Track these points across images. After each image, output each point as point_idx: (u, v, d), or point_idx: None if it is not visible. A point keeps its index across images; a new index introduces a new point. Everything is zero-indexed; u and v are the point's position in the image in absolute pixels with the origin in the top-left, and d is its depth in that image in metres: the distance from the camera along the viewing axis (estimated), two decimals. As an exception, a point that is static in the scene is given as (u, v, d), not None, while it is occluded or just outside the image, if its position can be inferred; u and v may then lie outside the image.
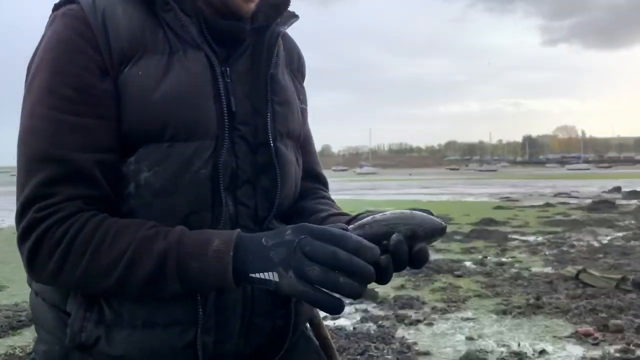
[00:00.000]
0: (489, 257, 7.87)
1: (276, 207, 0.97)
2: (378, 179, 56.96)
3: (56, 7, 0.92)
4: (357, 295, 0.73)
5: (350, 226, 0.81)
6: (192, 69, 0.90)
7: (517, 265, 7.27)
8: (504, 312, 5.06)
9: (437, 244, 9.16)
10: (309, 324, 1.15)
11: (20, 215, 0.84)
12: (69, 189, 0.83)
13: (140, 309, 0.86)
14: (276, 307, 0.96)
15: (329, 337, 1.15)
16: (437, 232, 0.82)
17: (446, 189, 30.59)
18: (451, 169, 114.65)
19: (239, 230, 0.82)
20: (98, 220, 0.83)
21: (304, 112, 1.09)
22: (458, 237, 9.86)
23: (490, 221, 11.83)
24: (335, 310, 0.73)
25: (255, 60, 0.99)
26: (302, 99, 1.09)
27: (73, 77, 0.85)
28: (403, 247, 0.78)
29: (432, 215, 0.84)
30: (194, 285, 0.81)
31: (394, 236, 0.78)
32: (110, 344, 0.86)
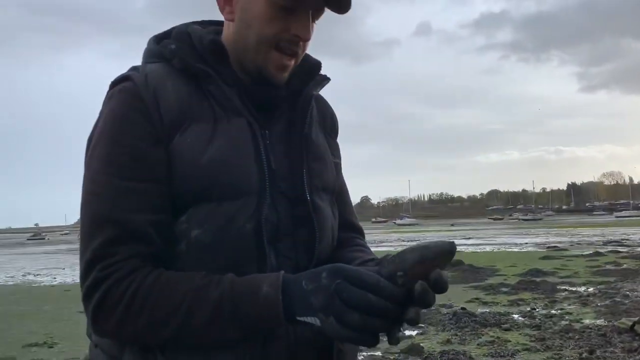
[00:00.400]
0: (537, 309, 7.60)
1: (316, 258, 1.02)
2: (419, 229, 56.23)
3: (113, 84, 1.00)
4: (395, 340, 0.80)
5: (370, 266, 0.86)
6: (234, 134, 0.98)
7: (567, 317, 7.00)
8: (556, 367, 4.85)
9: (483, 296, 8.94)
10: None
11: (84, 274, 0.90)
12: (127, 248, 0.90)
13: (193, 358, 0.91)
14: (319, 357, 0.99)
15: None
16: (445, 251, 0.82)
17: (490, 239, 29.93)
18: (494, 219, 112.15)
19: (282, 272, 0.88)
20: (155, 276, 0.90)
21: (337, 166, 1.16)
22: (504, 289, 9.59)
23: (538, 272, 11.49)
24: (374, 344, 0.80)
25: (291, 121, 1.08)
26: (336, 154, 1.16)
27: (129, 148, 0.93)
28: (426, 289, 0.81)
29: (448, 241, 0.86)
30: (249, 328, 0.87)
31: (417, 284, 0.80)
32: None
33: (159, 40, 1.06)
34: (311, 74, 1.11)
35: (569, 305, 7.88)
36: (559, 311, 7.43)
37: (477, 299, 8.70)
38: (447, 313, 7.34)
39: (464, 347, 5.66)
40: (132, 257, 0.90)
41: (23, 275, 17.43)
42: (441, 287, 0.81)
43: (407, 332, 6.45)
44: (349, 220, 1.20)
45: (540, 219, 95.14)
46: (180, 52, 1.00)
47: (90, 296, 0.89)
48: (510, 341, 5.85)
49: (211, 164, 0.94)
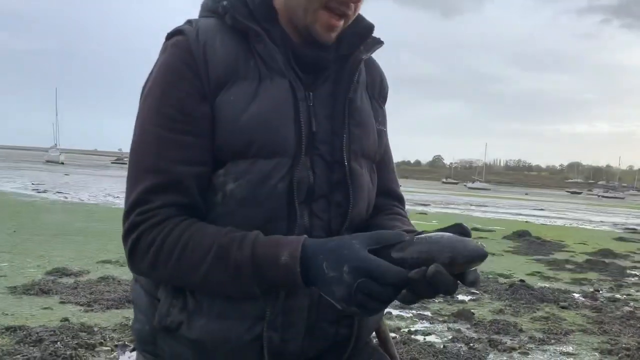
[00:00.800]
0: (601, 291, 7.34)
1: (348, 222, 1.05)
2: (490, 195, 54.85)
3: (168, 37, 1.04)
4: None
5: (393, 252, 0.87)
6: (276, 94, 1.01)
7: (632, 303, 6.72)
8: (609, 352, 4.71)
9: (545, 270, 8.71)
10: (376, 335, 1.20)
11: (125, 216, 0.98)
12: (165, 197, 0.96)
13: (217, 301, 0.98)
14: (341, 317, 1.03)
15: (395, 353, 1.19)
16: (476, 258, 0.84)
17: (564, 213, 28.82)
18: (572, 192, 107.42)
19: (304, 238, 0.91)
20: (185, 226, 0.96)
21: (381, 133, 1.15)
22: (569, 266, 9.28)
23: (609, 253, 11.00)
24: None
25: (337, 85, 1.08)
26: (381, 121, 1.17)
27: (177, 101, 0.98)
28: (441, 277, 0.82)
29: (470, 238, 0.88)
30: (268, 289, 0.93)
31: (431, 267, 0.82)
32: (190, 329, 0.98)
33: None
34: (363, 37, 1.11)
35: (637, 291, 7.55)
36: (624, 296, 7.14)
37: (538, 272, 8.49)
38: (504, 283, 7.23)
39: (516, 319, 5.59)
40: (168, 206, 0.96)
41: (104, 196, 18.64)
42: (472, 285, 0.86)
43: (460, 297, 6.43)
44: (390, 188, 1.22)
45: (622, 198, 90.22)
46: (231, 8, 1.02)
47: (127, 238, 0.97)
48: (565, 320, 5.71)
49: (249, 123, 0.98)
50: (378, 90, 1.19)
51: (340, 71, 1.09)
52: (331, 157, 1.05)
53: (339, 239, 0.90)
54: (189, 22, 1.05)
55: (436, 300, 6.18)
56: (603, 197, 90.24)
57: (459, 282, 0.85)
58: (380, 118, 1.16)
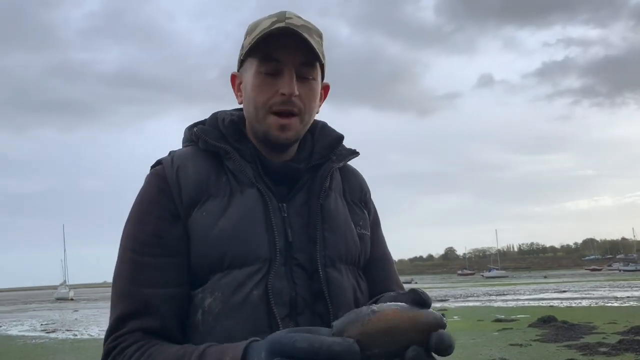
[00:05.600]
0: (642, 374, 6.87)
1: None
2: (508, 282, 53.54)
3: (151, 168, 1.11)
4: None
5: (337, 321, 0.73)
6: (245, 204, 1.02)
7: (678, 383, 6.25)
8: None
9: (579, 357, 8.25)
10: None
11: (103, 344, 0.98)
12: (134, 322, 0.95)
13: None
14: None
15: None
16: (428, 326, 0.72)
17: (587, 292, 27.91)
18: (592, 270, 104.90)
19: (248, 342, 0.80)
20: (144, 350, 0.92)
21: (363, 237, 1.13)
22: (603, 349, 8.78)
23: (642, 330, 10.46)
24: None
25: (310, 194, 1.09)
26: (363, 225, 1.15)
27: (150, 226, 1.01)
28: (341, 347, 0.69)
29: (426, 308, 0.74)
30: None
31: (409, 351, 0.70)
32: None
33: (192, 127, 1.15)
34: (333, 147, 1.16)
35: (680, 369, 7.07)
36: (668, 376, 6.68)
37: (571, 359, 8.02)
38: (538, 376, 6.79)
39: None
40: (135, 331, 0.95)
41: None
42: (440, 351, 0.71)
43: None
44: (391, 291, 1.13)
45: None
46: (202, 134, 1.09)
47: None
48: (610, 410, 5.28)
49: (221, 235, 0.99)
50: (359, 196, 1.19)
51: (312, 181, 1.11)
52: (311, 267, 1.02)
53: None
54: (170, 152, 1.12)
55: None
56: (624, 271, 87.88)
57: None
58: (362, 222, 1.15)
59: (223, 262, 0.98)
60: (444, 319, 0.73)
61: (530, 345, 9.66)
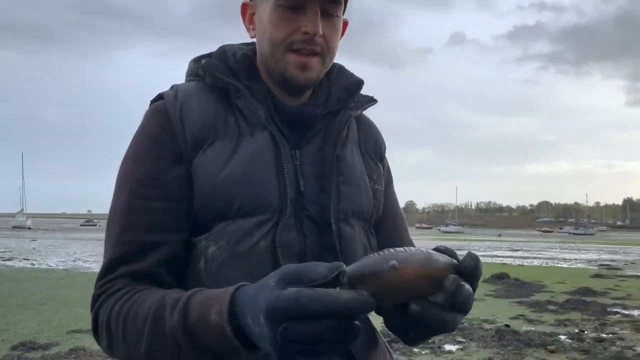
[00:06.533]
0: (586, 332, 7.26)
1: None
2: (464, 238, 55.21)
3: (151, 103, 1.02)
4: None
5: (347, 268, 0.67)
6: (255, 148, 0.95)
7: (619, 342, 6.65)
8: (605, 397, 4.59)
9: (529, 313, 8.62)
10: None
11: (94, 288, 0.93)
12: (125, 267, 0.90)
13: None
14: None
15: None
16: (441, 270, 0.67)
17: (538, 252, 29.04)
18: (544, 231, 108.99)
19: (237, 287, 0.75)
20: (130, 295, 0.86)
21: (376, 193, 1.06)
22: (552, 307, 9.22)
23: (588, 291, 11.01)
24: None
25: (325, 142, 1.01)
26: (377, 180, 1.08)
27: (148, 165, 0.94)
28: (426, 312, 0.68)
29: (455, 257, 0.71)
30: (215, 353, 0.77)
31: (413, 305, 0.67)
32: None
33: (198, 59, 1.05)
34: (352, 92, 1.06)
35: (622, 330, 7.49)
36: (610, 335, 7.08)
37: (522, 315, 8.40)
38: (490, 329, 7.11)
39: (506, 367, 5.44)
40: (125, 276, 0.89)
41: (73, 261, 18.06)
42: (464, 306, 0.69)
43: (448, 347, 6.27)
44: None
45: (592, 234, 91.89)
46: (211, 67, 0.99)
47: (91, 311, 0.92)
48: (556, 364, 5.59)
49: (227, 181, 0.92)
50: (373, 148, 1.12)
51: (328, 128, 1.03)
52: (322, 219, 0.97)
53: (262, 280, 0.71)
54: (172, 86, 1.03)
55: (422, 353, 6.01)
56: (574, 234, 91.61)
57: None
58: (376, 177, 1.08)
59: (230, 209, 0.91)
60: (478, 266, 0.68)
61: (484, 300, 10.04)
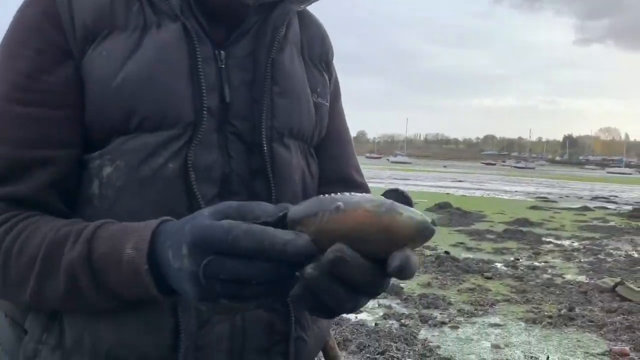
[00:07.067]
0: (521, 260, 7.61)
1: None
2: (412, 168, 56.41)
3: None
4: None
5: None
6: (163, 44, 0.75)
7: (550, 270, 7.00)
8: (534, 321, 4.84)
9: (468, 241, 8.93)
10: (324, 356, 1.00)
11: None
12: (1, 189, 0.73)
13: (105, 336, 0.72)
14: (273, 343, 0.82)
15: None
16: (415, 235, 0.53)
17: (481, 184, 30.03)
18: (487, 164, 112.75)
19: (163, 219, 0.64)
20: (9, 226, 0.70)
21: (320, 108, 0.90)
22: (490, 236, 9.59)
23: (525, 221, 11.49)
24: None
25: (259, 42, 0.82)
26: (321, 93, 0.91)
27: (25, 62, 0.74)
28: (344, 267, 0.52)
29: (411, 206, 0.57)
30: (119, 299, 0.67)
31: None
32: None
33: None
34: None
35: (553, 258, 7.89)
36: (542, 264, 7.44)
37: (461, 243, 8.70)
38: (431, 255, 7.33)
39: (444, 292, 5.65)
40: (2, 201, 0.72)
41: None
42: (403, 276, 0.51)
43: (389, 272, 6.44)
44: (347, 175, 0.96)
45: (532, 168, 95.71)
46: None
47: None
48: (490, 290, 5.84)
49: (125, 86, 0.73)
50: (319, 53, 0.93)
51: (263, 24, 0.83)
52: (251, 137, 0.80)
53: (194, 213, 0.59)
54: None
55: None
56: (515, 167, 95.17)
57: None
58: (320, 88, 0.91)
59: (129, 121, 0.73)
60: (432, 226, 0.53)
61: (426, 227, 10.35)
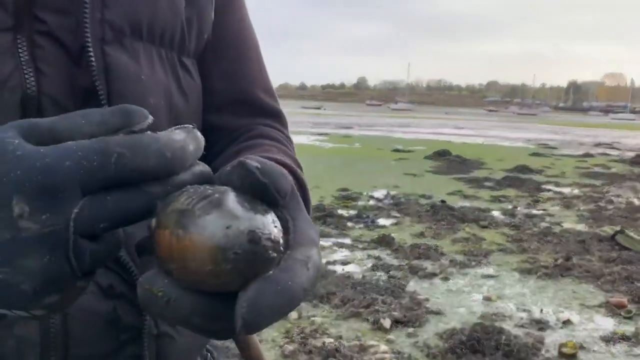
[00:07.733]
0: (519, 208, 7.40)
1: None
2: (412, 115, 55.75)
3: None
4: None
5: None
6: None
7: (548, 219, 6.80)
8: (529, 272, 4.66)
9: (466, 189, 8.71)
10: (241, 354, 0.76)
11: None
12: None
13: None
14: (119, 345, 0.57)
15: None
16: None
17: (482, 131, 29.61)
18: (490, 110, 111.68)
19: None
20: None
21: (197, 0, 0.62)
22: (489, 184, 9.36)
23: (525, 169, 11.25)
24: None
25: None
26: None
27: None
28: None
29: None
30: None
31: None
32: None
33: None
34: None
35: (552, 206, 7.68)
36: (540, 212, 7.24)
37: (459, 191, 8.49)
38: (425, 204, 7.12)
39: (437, 242, 5.46)
40: None
41: None
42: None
43: (381, 222, 6.24)
44: (251, 96, 0.70)
45: (535, 115, 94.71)
46: None
47: None
48: (485, 240, 5.65)
49: None
50: None
51: None
52: (74, 39, 0.53)
53: None
54: None
55: (356, 227, 5.94)
56: (518, 114, 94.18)
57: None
58: None
59: None
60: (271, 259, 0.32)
61: (423, 175, 10.11)
